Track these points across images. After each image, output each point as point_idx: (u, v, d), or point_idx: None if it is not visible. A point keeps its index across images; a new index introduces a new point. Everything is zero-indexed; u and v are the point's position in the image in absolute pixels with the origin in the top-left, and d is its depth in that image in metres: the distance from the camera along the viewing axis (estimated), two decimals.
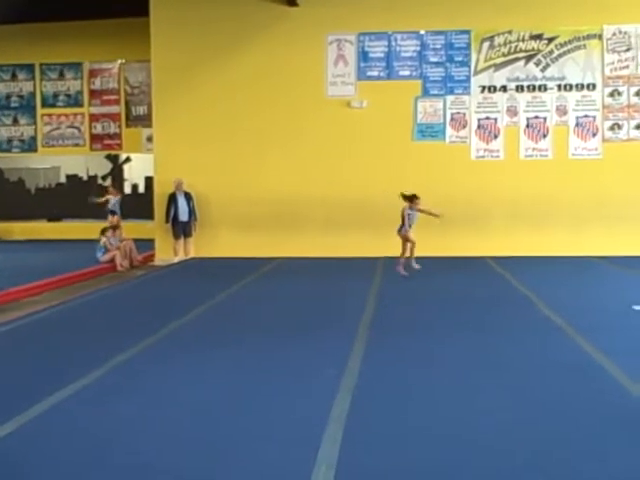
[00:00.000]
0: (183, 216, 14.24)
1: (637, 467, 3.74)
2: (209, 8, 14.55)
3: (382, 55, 14.35)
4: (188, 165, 14.50)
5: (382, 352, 6.26)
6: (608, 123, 14.16)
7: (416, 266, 11.21)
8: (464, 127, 14.26)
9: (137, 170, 22.19)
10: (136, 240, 14.35)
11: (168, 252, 14.35)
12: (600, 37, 14.10)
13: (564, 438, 4.14)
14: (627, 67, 14.09)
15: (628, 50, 14.09)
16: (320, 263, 13.39)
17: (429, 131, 14.30)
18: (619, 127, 14.14)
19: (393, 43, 14.32)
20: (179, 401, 4.92)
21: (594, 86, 14.15)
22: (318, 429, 4.21)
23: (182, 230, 14.31)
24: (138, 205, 19.41)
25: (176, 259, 14.09)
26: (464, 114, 14.27)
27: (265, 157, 14.50)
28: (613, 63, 14.12)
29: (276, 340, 6.82)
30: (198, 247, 14.57)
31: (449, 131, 14.29)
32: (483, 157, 14.25)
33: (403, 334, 7.00)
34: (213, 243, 14.57)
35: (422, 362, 5.92)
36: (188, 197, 14.31)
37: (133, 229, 16.48)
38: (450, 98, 14.31)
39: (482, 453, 3.92)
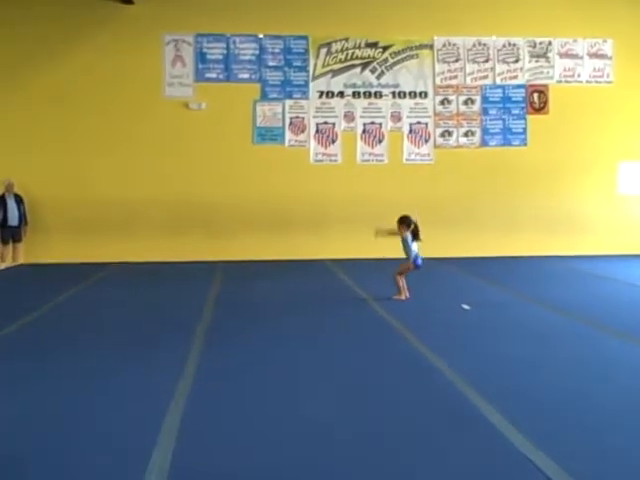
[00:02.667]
0: (13, 220, 13.43)
1: (464, 460, 3.91)
2: (40, 4, 13.84)
3: (221, 57, 14.25)
4: (19, 166, 13.68)
5: (218, 358, 6.19)
6: (439, 130, 14.82)
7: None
8: (303, 131, 14.44)
9: None
10: None
11: None
12: (431, 47, 14.73)
13: (396, 434, 4.27)
14: (456, 77, 14.81)
15: (457, 61, 14.80)
16: (159, 267, 13.10)
17: (269, 134, 14.36)
18: (449, 134, 14.83)
19: (232, 46, 14.26)
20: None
21: (426, 94, 14.76)
22: (152, 436, 4.14)
23: (11, 235, 13.51)
24: None
25: (4, 265, 13.29)
26: (303, 118, 14.45)
27: (101, 158, 13.98)
28: (443, 73, 14.80)
29: (109, 349, 6.59)
30: (29, 252, 13.81)
31: (288, 135, 14.41)
32: (322, 161, 14.48)
33: (239, 339, 6.98)
34: (46, 248, 13.86)
35: (257, 367, 5.89)
36: (19, 200, 13.53)
37: None
38: (289, 102, 14.44)
39: (313, 454, 3.97)
